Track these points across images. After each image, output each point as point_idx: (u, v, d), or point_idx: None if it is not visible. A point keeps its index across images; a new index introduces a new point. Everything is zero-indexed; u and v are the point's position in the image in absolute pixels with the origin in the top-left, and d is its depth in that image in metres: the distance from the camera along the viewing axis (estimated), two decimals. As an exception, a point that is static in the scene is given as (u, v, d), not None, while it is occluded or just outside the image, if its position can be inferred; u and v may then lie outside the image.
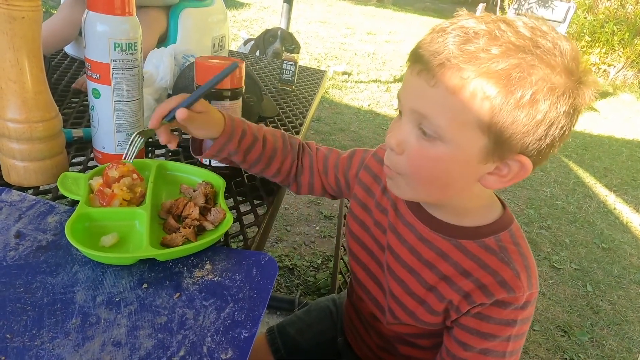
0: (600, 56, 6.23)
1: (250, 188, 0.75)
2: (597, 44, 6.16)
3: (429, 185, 0.52)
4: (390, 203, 0.63)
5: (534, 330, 1.67)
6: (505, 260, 0.53)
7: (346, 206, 1.23)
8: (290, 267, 1.71)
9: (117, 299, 0.48)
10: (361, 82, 4.38)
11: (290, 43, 2.50)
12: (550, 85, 0.42)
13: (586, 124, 4.39)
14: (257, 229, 0.66)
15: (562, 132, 0.45)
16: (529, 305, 0.54)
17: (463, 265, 0.55)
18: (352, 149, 0.71)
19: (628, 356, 1.64)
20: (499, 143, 0.46)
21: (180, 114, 0.58)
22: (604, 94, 5.65)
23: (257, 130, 0.67)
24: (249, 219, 0.67)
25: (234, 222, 0.63)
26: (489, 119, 0.44)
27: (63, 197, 0.61)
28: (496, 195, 0.59)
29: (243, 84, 0.73)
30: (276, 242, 1.84)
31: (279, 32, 2.65)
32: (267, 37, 2.65)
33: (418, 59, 0.47)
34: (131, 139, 0.61)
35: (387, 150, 0.53)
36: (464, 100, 0.44)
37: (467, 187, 0.52)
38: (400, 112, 0.52)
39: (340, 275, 1.11)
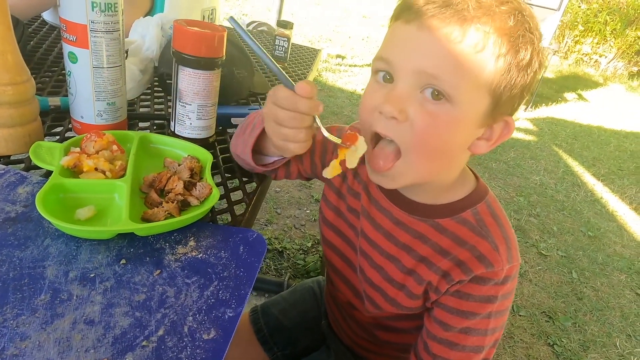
0: (593, 46, 6.24)
1: (239, 164, 0.72)
2: (589, 34, 6.16)
3: (434, 155, 0.47)
4: (362, 186, 0.60)
5: (520, 315, 1.69)
6: (482, 233, 0.51)
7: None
8: (280, 249, 1.69)
9: (91, 275, 0.44)
10: (355, 65, 4.31)
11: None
12: (537, 46, 0.43)
13: (576, 113, 4.41)
14: (245, 207, 0.63)
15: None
16: (509, 280, 0.52)
17: (441, 245, 0.52)
18: (327, 127, 0.67)
19: (607, 341, 1.67)
20: (497, 105, 0.44)
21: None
22: (594, 84, 5.68)
23: None
24: (237, 196, 0.64)
25: (221, 199, 0.60)
26: (498, 79, 0.42)
27: (37, 167, 0.57)
28: (467, 166, 0.56)
29: (223, 54, 0.67)
30: (266, 225, 1.82)
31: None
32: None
33: (420, 12, 0.42)
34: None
35: (384, 121, 0.46)
36: (484, 57, 0.41)
37: (459, 156, 0.50)
38: (386, 76, 0.47)
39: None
